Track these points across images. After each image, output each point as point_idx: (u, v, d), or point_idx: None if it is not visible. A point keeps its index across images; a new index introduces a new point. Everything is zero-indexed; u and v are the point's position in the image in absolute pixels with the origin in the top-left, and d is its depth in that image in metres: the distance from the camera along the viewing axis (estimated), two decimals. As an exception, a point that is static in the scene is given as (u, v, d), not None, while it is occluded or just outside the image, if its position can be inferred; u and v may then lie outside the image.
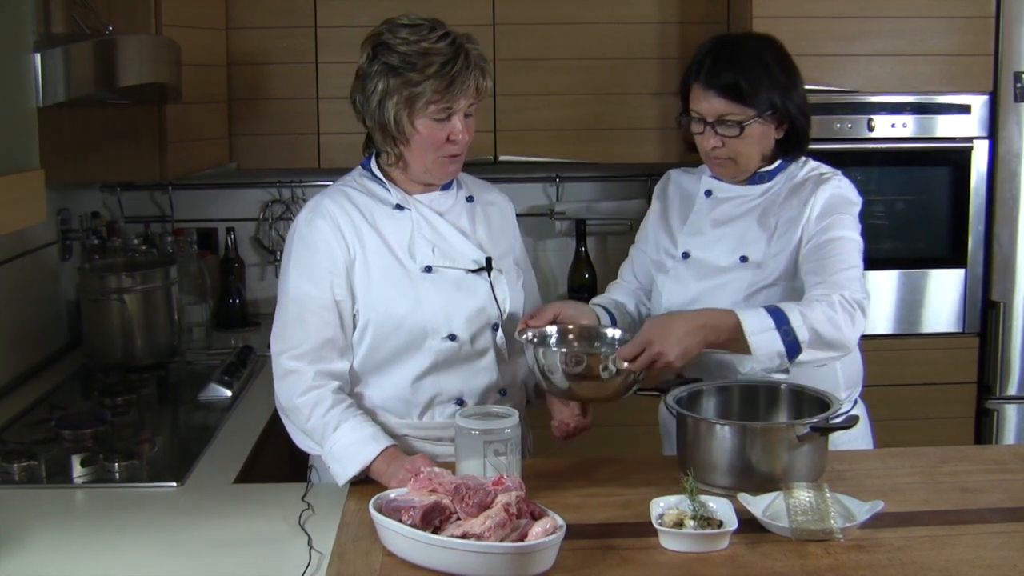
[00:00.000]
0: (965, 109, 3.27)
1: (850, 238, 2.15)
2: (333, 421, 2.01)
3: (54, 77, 2.03)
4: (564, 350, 2.08)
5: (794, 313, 1.98)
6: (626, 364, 1.94)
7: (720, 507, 1.77)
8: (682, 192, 2.38)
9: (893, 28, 3.24)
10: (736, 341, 1.98)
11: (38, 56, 1.96)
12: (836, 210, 2.18)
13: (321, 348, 2.06)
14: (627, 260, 2.49)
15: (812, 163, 2.31)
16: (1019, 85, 3.22)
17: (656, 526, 1.73)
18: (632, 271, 2.46)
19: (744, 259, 2.23)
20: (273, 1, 3.40)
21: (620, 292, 2.45)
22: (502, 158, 3.47)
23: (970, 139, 3.29)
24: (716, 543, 1.71)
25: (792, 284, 2.21)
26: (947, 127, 3.29)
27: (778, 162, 2.27)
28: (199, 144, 3.24)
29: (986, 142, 3.29)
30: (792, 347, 1.97)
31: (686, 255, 2.29)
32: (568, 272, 3.77)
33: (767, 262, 2.21)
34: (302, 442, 2.07)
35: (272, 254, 3.78)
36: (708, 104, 2.19)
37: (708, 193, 2.32)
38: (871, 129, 3.27)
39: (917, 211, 3.35)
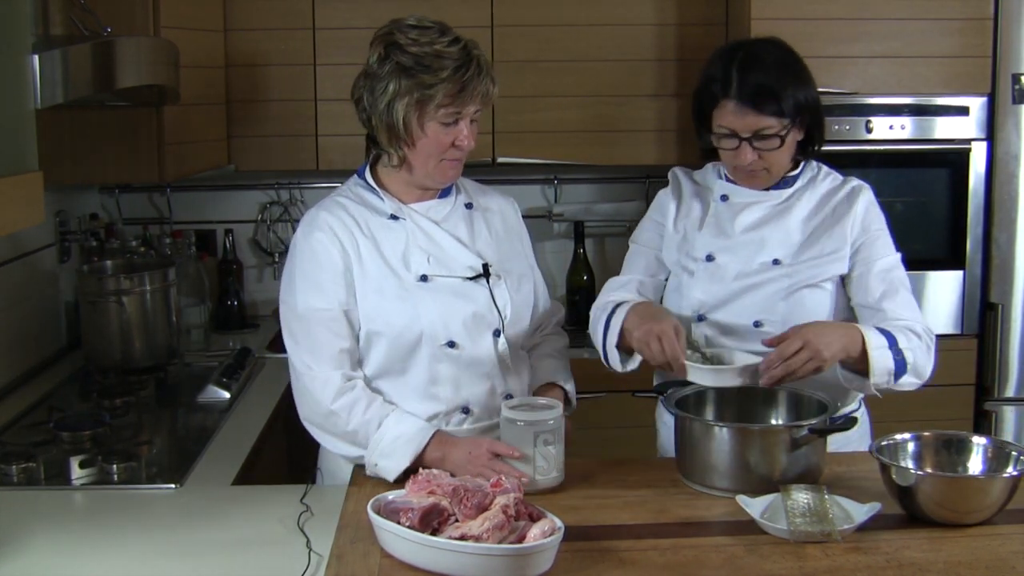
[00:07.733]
0: (963, 111, 3.27)
1: (900, 262, 2.21)
2: (375, 418, 2.01)
3: (52, 79, 2.02)
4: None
5: (901, 336, 2.05)
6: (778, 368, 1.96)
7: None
8: (694, 193, 2.32)
9: (891, 30, 3.24)
10: (860, 356, 2.03)
11: (36, 58, 1.96)
12: (876, 224, 2.22)
13: (338, 357, 2.05)
14: (628, 261, 2.38)
15: (825, 168, 2.30)
16: (1017, 87, 3.23)
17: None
18: (641, 270, 2.34)
19: (777, 262, 2.20)
20: (271, 3, 3.40)
21: (629, 291, 2.31)
22: (500, 160, 3.47)
23: (968, 141, 3.29)
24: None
25: (837, 290, 2.22)
26: (945, 129, 3.29)
27: (801, 166, 2.25)
28: (197, 146, 3.23)
29: (984, 144, 3.29)
30: (900, 367, 2.04)
31: (710, 258, 2.23)
32: (566, 274, 3.77)
33: (801, 266, 2.19)
34: (340, 448, 2.05)
35: (271, 256, 3.78)
36: (743, 120, 2.11)
37: (724, 198, 2.27)
38: (869, 131, 3.27)
39: (915, 213, 3.34)
